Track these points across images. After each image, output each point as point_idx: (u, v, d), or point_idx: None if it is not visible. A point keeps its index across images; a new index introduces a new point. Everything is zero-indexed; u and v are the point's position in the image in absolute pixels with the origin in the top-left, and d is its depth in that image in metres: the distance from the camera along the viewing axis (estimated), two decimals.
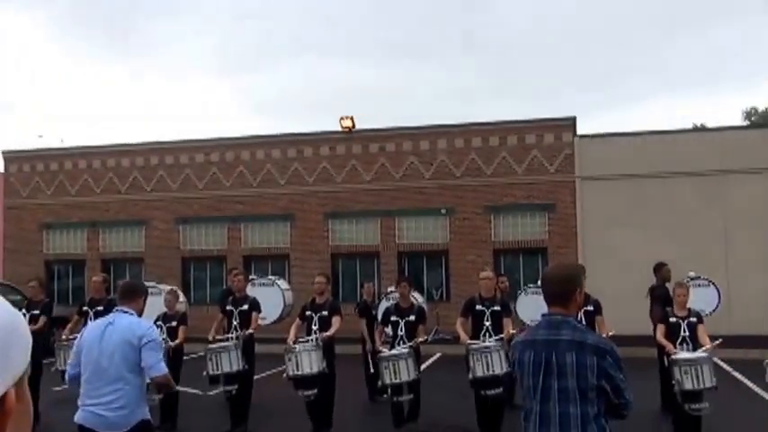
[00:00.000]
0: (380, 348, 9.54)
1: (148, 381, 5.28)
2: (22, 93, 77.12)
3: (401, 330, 9.48)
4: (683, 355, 8.35)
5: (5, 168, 26.22)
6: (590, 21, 76.31)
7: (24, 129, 74.89)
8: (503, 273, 14.33)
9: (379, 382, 9.34)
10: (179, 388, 8.18)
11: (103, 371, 5.03)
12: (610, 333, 8.94)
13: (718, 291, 13.03)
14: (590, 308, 9.34)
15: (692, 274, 12.67)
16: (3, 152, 26.13)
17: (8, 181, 25.85)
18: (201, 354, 10.46)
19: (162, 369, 5.18)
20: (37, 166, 25.52)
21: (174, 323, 10.45)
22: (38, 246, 25.01)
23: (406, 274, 20.87)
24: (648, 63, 73.34)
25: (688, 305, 8.87)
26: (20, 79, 77.76)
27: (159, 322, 10.25)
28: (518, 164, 21.97)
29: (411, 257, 22.87)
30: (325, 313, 9.81)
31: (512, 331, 9.18)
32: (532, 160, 21.90)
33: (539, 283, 11.61)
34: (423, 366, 10.27)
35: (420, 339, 9.57)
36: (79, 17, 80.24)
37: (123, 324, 5.16)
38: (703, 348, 8.43)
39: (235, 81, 79.00)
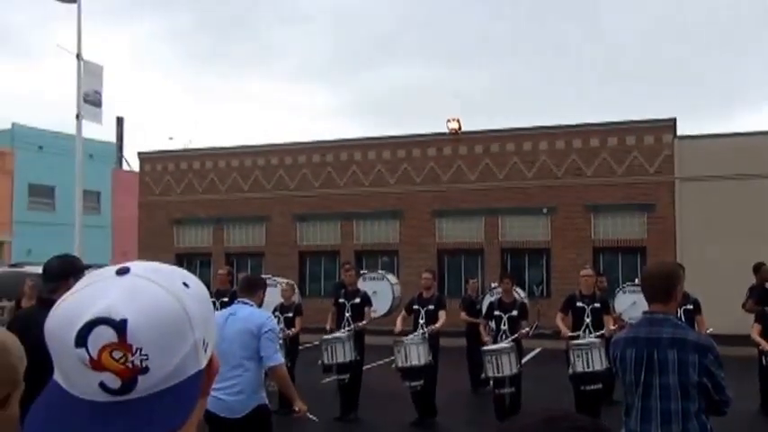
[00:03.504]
0: (486, 341, 9.90)
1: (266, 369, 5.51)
2: (156, 99, 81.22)
3: (504, 325, 9.85)
4: None
5: (141, 168, 28.44)
6: (694, 22, 73.86)
7: (156, 132, 78.94)
8: (601, 273, 14.47)
9: (482, 375, 9.76)
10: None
11: (224, 357, 5.29)
12: (708, 331, 9.12)
13: None
14: (690, 306, 9.41)
15: None
16: (138, 153, 28.52)
17: (143, 180, 28.04)
18: (316, 343, 11.07)
19: (278, 359, 5.41)
20: (168, 165, 27.51)
21: (290, 314, 11.13)
22: (169, 240, 26.83)
23: (509, 270, 21.19)
24: (752, 64, 70.33)
25: None
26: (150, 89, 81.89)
27: (277, 312, 10.87)
28: (618, 164, 22.03)
29: (513, 254, 23.30)
30: (431, 307, 10.32)
31: (612, 327, 9.47)
32: (632, 161, 21.91)
33: (636, 281, 11.73)
34: (524, 360, 10.54)
35: (523, 332, 9.91)
36: (203, 27, 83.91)
37: (244, 314, 5.42)
38: None
39: (343, 84, 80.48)
